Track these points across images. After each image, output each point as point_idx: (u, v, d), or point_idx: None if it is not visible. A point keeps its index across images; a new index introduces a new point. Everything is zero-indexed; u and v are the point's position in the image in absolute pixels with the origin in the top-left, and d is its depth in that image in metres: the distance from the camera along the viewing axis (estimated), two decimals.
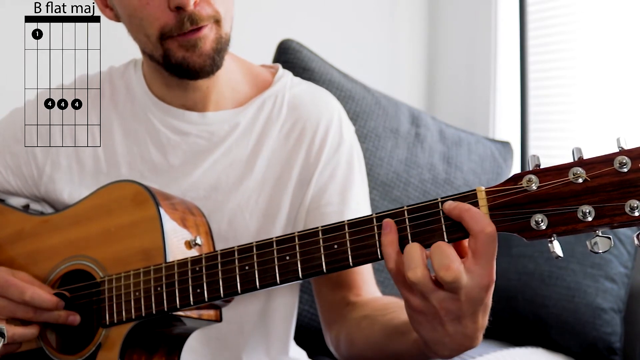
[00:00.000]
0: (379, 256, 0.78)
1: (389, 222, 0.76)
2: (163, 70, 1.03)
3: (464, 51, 2.30)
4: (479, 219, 0.71)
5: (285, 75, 1.17)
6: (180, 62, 0.98)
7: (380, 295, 1.11)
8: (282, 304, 1.16)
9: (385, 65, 2.31)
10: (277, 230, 1.10)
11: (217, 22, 0.99)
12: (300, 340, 1.29)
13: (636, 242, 0.67)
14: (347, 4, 2.22)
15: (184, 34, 0.96)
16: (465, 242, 0.74)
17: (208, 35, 0.98)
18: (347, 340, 1.04)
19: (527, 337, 1.66)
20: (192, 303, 0.89)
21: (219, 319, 0.97)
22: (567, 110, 2.08)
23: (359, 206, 1.13)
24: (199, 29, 0.97)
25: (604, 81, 1.92)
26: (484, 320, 0.79)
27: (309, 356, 1.27)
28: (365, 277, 1.10)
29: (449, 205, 0.74)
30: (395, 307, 0.96)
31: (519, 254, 1.72)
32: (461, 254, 0.74)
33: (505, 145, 2.00)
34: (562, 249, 0.71)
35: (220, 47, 1.00)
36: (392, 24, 2.32)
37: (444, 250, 0.72)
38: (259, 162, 1.10)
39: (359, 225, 0.79)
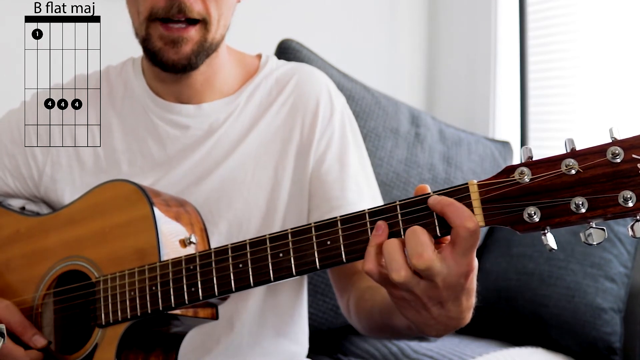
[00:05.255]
0: None
1: (382, 225, 0.77)
2: (145, 57, 1.05)
3: (464, 51, 2.29)
4: (461, 213, 0.71)
5: (270, 59, 1.19)
6: (155, 51, 1.01)
7: None
8: (284, 294, 1.16)
9: (385, 65, 2.30)
10: (279, 205, 1.11)
11: (206, 25, 1.00)
12: None
13: (630, 232, 0.66)
14: (347, 4, 2.22)
15: (169, 25, 0.98)
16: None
17: (192, 37, 1.00)
18: (355, 310, 1.05)
19: (527, 337, 1.66)
20: (186, 302, 0.89)
21: (215, 317, 0.97)
22: (567, 111, 2.08)
23: (357, 171, 1.14)
24: (186, 27, 0.98)
25: (604, 81, 1.92)
26: (468, 302, 0.80)
27: (309, 356, 1.27)
28: None
29: (433, 200, 0.74)
30: None
31: (519, 254, 1.72)
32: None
33: (505, 145, 2.00)
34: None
35: (201, 51, 1.02)
36: (392, 24, 2.32)
37: (418, 236, 0.73)
38: (251, 140, 1.11)
39: (352, 221, 0.79)
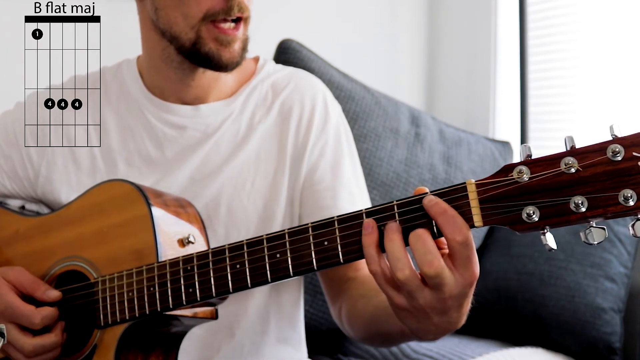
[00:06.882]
0: None
1: (369, 223, 0.76)
2: (179, 58, 1.05)
3: (464, 51, 2.29)
4: (451, 224, 0.71)
5: (267, 63, 1.19)
6: (211, 53, 1.02)
7: None
8: (285, 300, 1.16)
9: (385, 65, 2.30)
10: (277, 212, 1.11)
11: (246, 22, 1.03)
12: None
13: (631, 231, 0.65)
14: (347, 4, 2.22)
15: (221, 26, 1.00)
16: None
17: (240, 35, 1.03)
18: (347, 317, 1.05)
19: (527, 337, 1.66)
20: (184, 303, 0.89)
21: (214, 317, 0.97)
22: (567, 111, 2.08)
23: (350, 180, 1.15)
24: (236, 26, 1.01)
25: (604, 81, 1.92)
26: (467, 306, 0.80)
27: (309, 356, 1.27)
28: None
29: (428, 201, 0.73)
30: None
31: (519, 254, 1.72)
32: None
33: (505, 145, 2.00)
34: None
35: (245, 47, 1.05)
36: (392, 24, 2.32)
37: (425, 243, 0.72)
38: (250, 146, 1.11)
39: (349, 221, 0.78)
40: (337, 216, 0.79)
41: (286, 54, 1.71)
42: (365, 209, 0.78)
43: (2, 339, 0.82)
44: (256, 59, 1.20)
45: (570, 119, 2.06)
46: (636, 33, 1.84)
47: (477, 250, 1.81)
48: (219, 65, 1.03)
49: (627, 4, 1.87)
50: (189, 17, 1.00)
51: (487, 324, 1.71)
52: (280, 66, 1.21)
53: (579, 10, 2.00)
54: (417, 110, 1.87)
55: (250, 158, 1.11)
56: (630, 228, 0.65)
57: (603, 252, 1.62)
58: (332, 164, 1.13)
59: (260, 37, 1.86)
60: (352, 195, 1.13)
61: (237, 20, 1.02)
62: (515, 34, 2.11)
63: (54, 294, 0.98)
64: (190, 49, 1.03)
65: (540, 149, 2.08)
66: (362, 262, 1.07)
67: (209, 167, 1.10)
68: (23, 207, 1.17)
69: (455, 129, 1.92)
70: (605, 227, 0.67)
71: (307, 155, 1.12)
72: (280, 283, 1.14)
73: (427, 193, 0.75)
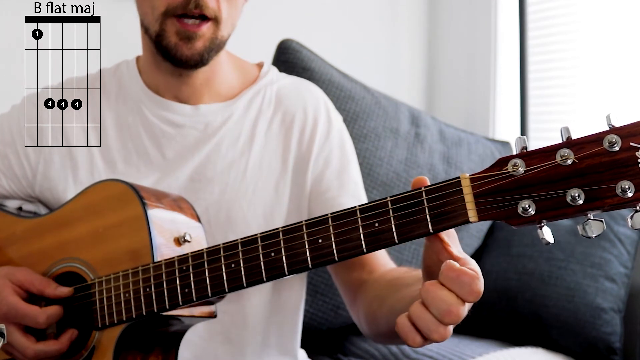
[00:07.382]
0: (364, 249, 0.76)
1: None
2: (155, 52, 1.06)
3: (464, 51, 2.29)
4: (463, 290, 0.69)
5: (271, 70, 1.20)
6: (170, 47, 1.03)
7: (392, 266, 1.10)
8: (289, 296, 1.16)
9: (385, 65, 2.30)
10: (277, 221, 1.11)
11: (217, 22, 1.02)
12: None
13: (629, 223, 0.63)
14: (348, 4, 2.22)
15: (184, 21, 1.00)
16: (444, 233, 0.73)
17: (205, 33, 1.02)
18: (365, 319, 1.05)
19: (527, 337, 1.66)
20: (180, 303, 0.88)
21: (213, 315, 0.96)
22: (567, 111, 2.08)
23: (357, 186, 1.15)
24: (200, 24, 1.01)
25: (604, 81, 1.92)
26: None
27: (309, 356, 1.27)
28: (375, 253, 1.08)
29: (445, 266, 0.70)
30: (400, 286, 0.94)
31: (519, 254, 1.72)
32: (443, 245, 0.73)
33: (505, 145, 2.00)
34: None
35: (212, 47, 1.04)
36: (392, 24, 2.32)
37: (436, 294, 0.69)
38: (252, 153, 1.12)
39: (343, 218, 0.77)
40: (331, 213, 0.78)
41: (286, 54, 1.71)
42: (359, 206, 0.76)
43: (2, 339, 0.82)
44: (260, 65, 1.21)
45: (570, 118, 2.06)
46: (636, 33, 1.84)
47: (477, 250, 1.82)
48: (177, 60, 1.04)
49: (627, 3, 1.88)
50: (155, 9, 1.02)
51: (487, 324, 1.71)
52: (283, 74, 1.21)
53: (579, 10, 2.00)
54: (417, 110, 1.87)
55: (254, 165, 1.11)
56: (629, 220, 0.63)
57: (603, 252, 1.62)
58: (338, 172, 1.13)
59: (260, 37, 1.87)
60: (360, 201, 1.14)
61: (204, 19, 1.01)
62: (515, 34, 2.11)
63: (65, 290, 0.98)
64: (155, 41, 1.04)
65: None
66: (375, 265, 1.08)
67: (210, 170, 1.10)
68: (20, 208, 1.17)
69: (455, 129, 1.92)
70: (603, 220, 0.65)
71: (311, 165, 1.12)
72: (281, 291, 1.15)
73: (420, 188, 0.73)
